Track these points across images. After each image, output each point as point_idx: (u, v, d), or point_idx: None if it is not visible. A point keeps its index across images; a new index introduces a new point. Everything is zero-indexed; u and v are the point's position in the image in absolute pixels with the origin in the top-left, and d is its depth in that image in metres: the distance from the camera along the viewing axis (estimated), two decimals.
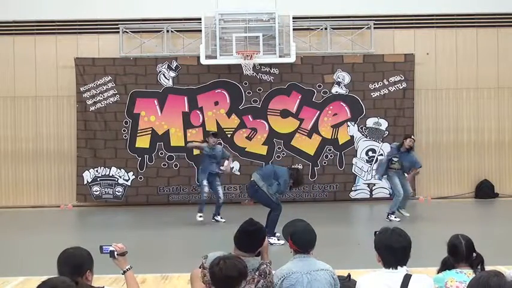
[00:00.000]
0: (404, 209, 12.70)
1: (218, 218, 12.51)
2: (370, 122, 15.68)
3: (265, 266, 4.50)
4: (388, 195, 15.63)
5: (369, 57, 15.64)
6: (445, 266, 4.75)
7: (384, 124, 15.67)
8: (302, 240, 4.53)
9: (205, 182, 12.40)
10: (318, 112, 15.63)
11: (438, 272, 4.74)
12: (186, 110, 15.62)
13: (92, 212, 15.16)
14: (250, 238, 4.61)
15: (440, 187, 15.73)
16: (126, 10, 15.68)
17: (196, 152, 15.17)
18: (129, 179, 15.56)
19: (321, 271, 4.45)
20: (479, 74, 15.96)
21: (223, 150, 12.95)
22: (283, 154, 15.61)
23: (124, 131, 15.55)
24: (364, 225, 12.87)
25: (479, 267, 4.63)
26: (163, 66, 15.56)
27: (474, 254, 4.67)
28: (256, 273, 4.45)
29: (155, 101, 15.59)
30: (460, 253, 4.66)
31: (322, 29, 15.70)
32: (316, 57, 15.65)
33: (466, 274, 4.55)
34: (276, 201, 10.56)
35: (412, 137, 12.86)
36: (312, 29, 15.70)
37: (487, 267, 4.61)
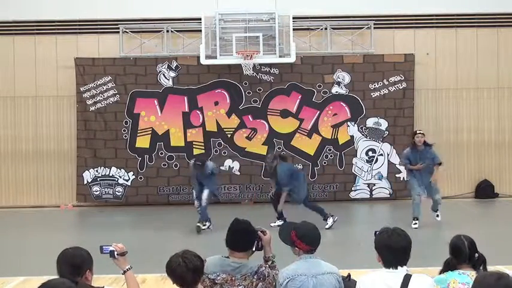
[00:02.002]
0: (437, 211, 11.99)
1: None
2: (370, 122, 15.67)
3: (263, 268, 4.49)
4: (388, 196, 15.65)
5: (369, 57, 15.63)
6: (448, 267, 4.74)
7: (384, 124, 15.66)
8: (312, 239, 4.52)
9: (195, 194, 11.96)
10: (318, 112, 15.63)
11: (440, 273, 4.74)
12: (186, 110, 15.61)
13: (92, 212, 15.15)
14: (244, 235, 4.60)
15: (441, 187, 15.66)
16: (126, 10, 15.68)
17: (197, 151, 15.24)
18: (129, 179, 15.56)
19: (327, 274, 4.43)
20: (479, 74, 15.95)
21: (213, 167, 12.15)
22: (283, 154, 15.59)
23: (124, 131, 15.54)
24: (364, 225, 12.86)
25: (481, 268, 4.62)
26: (163, 66, 15.56)
27: (476, 255, 4.66)
28: (255, 277, 4.43)
29: (155, 101, 15.59)
30: (463, 254, 4.64)
31: (322, 29, 15.70)
32: (316, 57, 15.64)
33: (469, 276, 4.54)
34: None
35: (419, 132, 12.16)
36: (312, 29, 15.69)
37: (488, 268, 4.61)
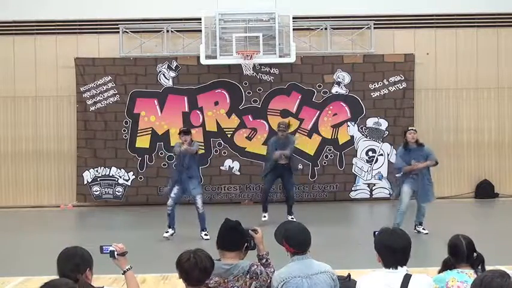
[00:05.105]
0: (421, 226, 11.08)
1: (203, 234, 10.85)
2: (370, 122, 15.67)
3: (255, 267, 4.47)
4: (388, 195, 15.64)
5: (369, 57, 15.63)
6: (446, 266, 4.76)
7: (383, 124, 15.67)
8: (298, 241, 4.48)
9: (174, 191, 11.07)
10: (318, 112, 15.64)
11: (439, 273, 4.75)
12: (186, 110, 15.61)
13: (92, 212, 15.16)
14: (232, 234, 4.58)
15: (440, 187, 15.65)
16: (126, 10, 15.68)
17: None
18: (129, 179, 15.56)
19: (321, 274, 4.42)
20: (479, 74, 15.95)
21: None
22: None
23: (124, 131, 15.55)
24: (364, 225, 12.86)
25: (479, 267, 4.64)
26: (163, 66, 15.56)
27: (475, 254, 4.68)
28: (247, 276, 4.42)
29: (155, 101, 15.59)
30: (461, 253, 4.66)
31: (322, 29, 15.70)
32: (316, 57, 15.65)
33: (468, 274, 4.57)
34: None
35: (410, 128, 11.36)
36: (312, 29, 15.69)
37: (487, 268, 4.62)
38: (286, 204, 12.50)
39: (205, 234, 10.83)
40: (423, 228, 11.05)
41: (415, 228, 11.03)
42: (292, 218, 12.01)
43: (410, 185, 10.93)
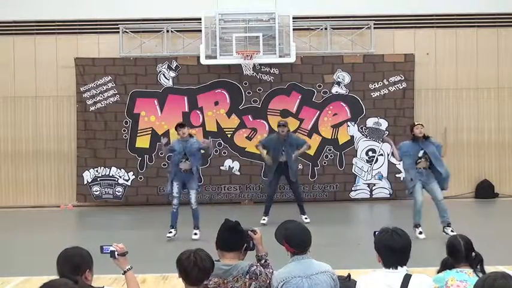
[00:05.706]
0: (449, 227, 10.38)
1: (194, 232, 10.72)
2: (370, 122, 15.68)
3: (255, 267, 4.46)
4: (388, 196, 15.65)
5: (369, 57, 15.63)
6: (445, 266, 4.77)
7: (383, 124, 15.67)
8: (298, 241, 4.48)
9: (175, 190, 10.93)
10: (318, 112, 15.64)
11: (438, 273, 4.76)
12: (186, 110, 15.62)
13: (92, 212, 15.16)
14: (231, 234, 4.57)
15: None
16: (126, 10, 15.68)
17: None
18: (129, 179, 15.56)
19: (321, 274, 4.41)
20: (479, 74, 15.96)
21: (198, 142, 11.24)
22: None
23: (124, 131, 15.55)
24: (364, 225, 12.87)
25: (478, 266, 4.65)
26: (163, 66, 15.57)
27: (473, 254, 4.69)
28: (247, 277, 4.41)
29: (155, 101, 15.59)
30: (460, 253, 4.68)
31: (322, 29, 15.70)
32: (316, 57, 15.65)
33: (467, 273, 4.58)
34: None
35: (417, 123, 11.08)
36: (312, 29, 15.69)
37: (487, 267, 4.63)
38: (297, 205, 12.44)
39: (195, 234, 10.64)
40: (451, 231, 10.04)
41: (443, 230, 10.38)
42: (306, 218, 12.02)
43: (421, 181, 10.68)
